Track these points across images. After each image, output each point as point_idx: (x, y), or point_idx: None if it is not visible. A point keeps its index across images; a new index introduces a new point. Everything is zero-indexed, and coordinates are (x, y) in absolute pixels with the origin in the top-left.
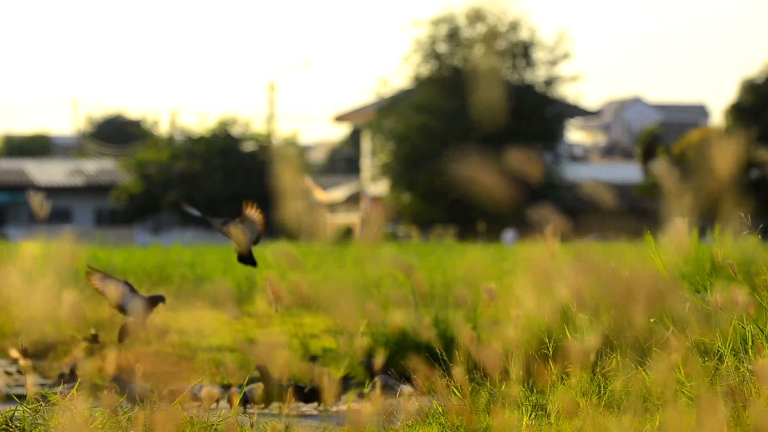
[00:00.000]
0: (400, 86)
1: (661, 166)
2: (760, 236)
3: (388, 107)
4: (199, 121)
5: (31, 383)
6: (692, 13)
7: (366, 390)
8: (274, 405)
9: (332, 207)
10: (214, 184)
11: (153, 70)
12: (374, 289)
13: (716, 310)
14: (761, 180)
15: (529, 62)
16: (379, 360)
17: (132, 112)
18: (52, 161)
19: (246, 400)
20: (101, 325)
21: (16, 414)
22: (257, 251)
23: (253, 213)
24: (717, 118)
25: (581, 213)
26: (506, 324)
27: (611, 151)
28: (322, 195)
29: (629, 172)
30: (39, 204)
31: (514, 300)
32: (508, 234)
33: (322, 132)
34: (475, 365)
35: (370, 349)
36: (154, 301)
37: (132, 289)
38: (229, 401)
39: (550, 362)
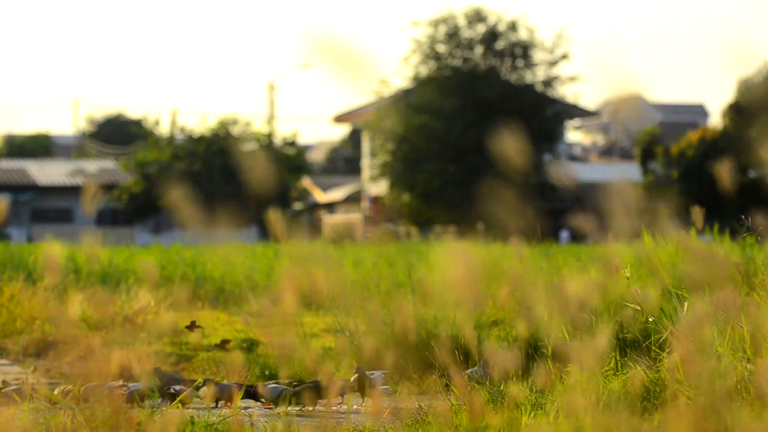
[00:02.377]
0: (400, 87)
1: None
2: (758, 236)
3: (388, 108)
4: (199, 121)
5: (33, 383)
6: (692, 13)
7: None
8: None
9: (332, 207)
10: (214, 183)
11: (153, 71)
12: (375, 288)
13: (715, 310)
14: (759, 180)
15: (529, 63)
16: (388, 360)
17: (132, 113)
18: (53, 161)
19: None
20: (102, 324)
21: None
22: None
23: None
24: (716, 118)
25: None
26: (507, 323)
27: (610, 152)
28: (321, 195)
29: (628, 172)
30: (91, 195)
31: (515, 299)
32: (564, 234)
33: (322, 132)
34: (475, 364)
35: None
36: None
37: None
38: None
39: (550, 362)
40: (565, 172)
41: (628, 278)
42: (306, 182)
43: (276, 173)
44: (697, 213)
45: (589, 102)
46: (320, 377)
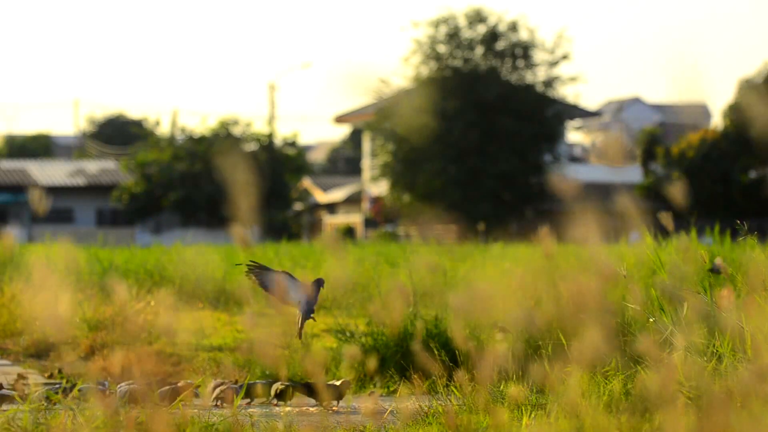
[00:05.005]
0: (401, 87)
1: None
2: (758, 236)
3: (389, 108)
4: (200, 122)
5: (33, 383)
6: (692, 13)
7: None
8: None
9: (332, 207)
10: (214, 184)
11: (154, 71)
12: (375, 289)
13: (715, 310)
14: (760, 180)
15: (529, 63)
16: (371, 363)
17: (133, 113)
18: (54, 161)
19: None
20: (102, 325)
21: (17, 414)
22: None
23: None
24: (717, 118)
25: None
26: (506, 324)
27: None
28: (322, 196)
29: (628, 172)
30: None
31: (513, 300)
32: (633, 234)
33: (323, 132)
34: (474, 365)
35: (369, 348)
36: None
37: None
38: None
39: (549, 362)
40: (564, 173)
41: (625, 276)
42: (306, 183)
43: (276, 174)
44: (666, 218)
45: (589, 102)
46: (313, 378)
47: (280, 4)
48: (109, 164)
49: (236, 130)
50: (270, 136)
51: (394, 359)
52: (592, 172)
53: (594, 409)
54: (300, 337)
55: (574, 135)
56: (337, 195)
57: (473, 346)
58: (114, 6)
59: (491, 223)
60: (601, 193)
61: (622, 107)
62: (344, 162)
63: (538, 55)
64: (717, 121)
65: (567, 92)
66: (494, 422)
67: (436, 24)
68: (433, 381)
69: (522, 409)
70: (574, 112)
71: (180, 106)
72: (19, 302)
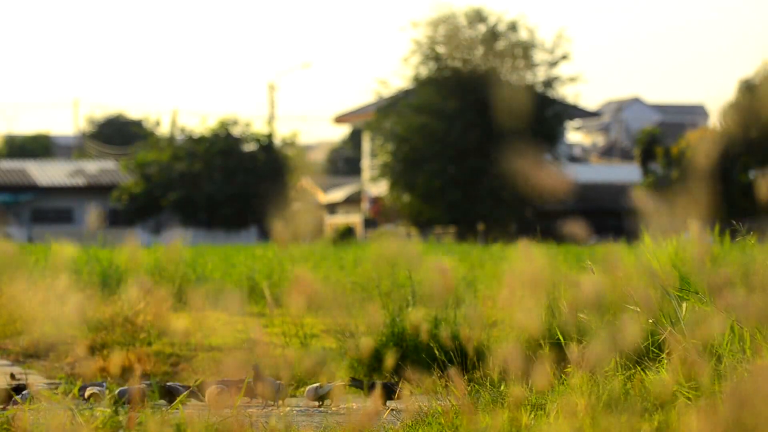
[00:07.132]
0: (400, 87)
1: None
2: (758, 236)
3: (388, 108)
4: (199, 122)
5: (33, 383)
6: (692, 13)
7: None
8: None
9: (332, 207)
10: (214, 184)
11: (154, 71)
12: (375, 289)
13: (714, 311)
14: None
15: (529, 63)
16: (389, 361)
17: (133, 113)
18: (54, 161)
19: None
20: (102, 325)
21: (17, 414)
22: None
23: None
24: (716, 118)
25: (581, 214)
26: (506, 324)
27: (610, 152)
28: (322, 196)
29: (628, 172)
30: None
31: (515, 300)
32: (686, 234)
33: (323, 133)
34: (474, 365)
35: (375, 350)
36: None
37: None
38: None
39: (549, 363)
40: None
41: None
42: (306, 183)
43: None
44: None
45: (589, 102)
46: (320, 378)
47: (280, 4)
48: (109, 164)
49: (236, 130)
50: (270, 136)
51: (394, 359)
52: (591, 172)
53: (594, 409)
54: None
55: (574, 135)
56: (337, 195)
57: (474, 347)
58: (114, 6)
59: (491, 223)
60: (600, 193)
61: (622, 107)
62: (344, 162)
63: (538, 55)
64: (716, 121)
65: (567, 92)
66: (494, 422)
67: (436, 24)
68: (433, 381)
69: (522, 409)
70: (574, 112)
71: (180, 106)
72: (19, 302)
